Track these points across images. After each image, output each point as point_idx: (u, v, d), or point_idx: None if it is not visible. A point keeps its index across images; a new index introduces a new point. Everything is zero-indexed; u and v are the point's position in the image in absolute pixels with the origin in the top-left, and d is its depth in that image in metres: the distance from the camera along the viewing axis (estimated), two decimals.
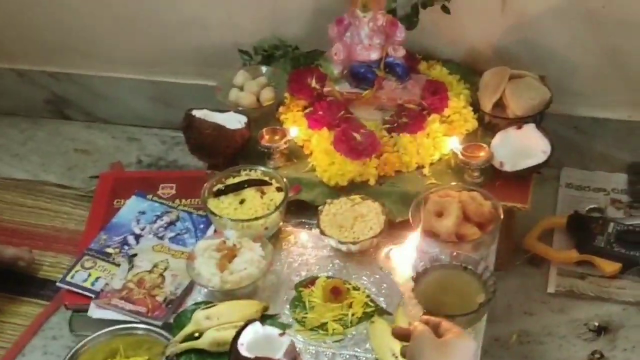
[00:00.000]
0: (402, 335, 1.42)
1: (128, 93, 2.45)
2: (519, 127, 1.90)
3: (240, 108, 2.01)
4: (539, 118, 1.94)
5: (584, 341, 1.84)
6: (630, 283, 1.94)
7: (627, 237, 1.96)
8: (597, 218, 2.03)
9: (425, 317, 1.42)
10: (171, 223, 2.04)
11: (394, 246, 1.76)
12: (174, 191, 2.15)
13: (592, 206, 2.11)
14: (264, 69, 2.12)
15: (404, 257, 1.59)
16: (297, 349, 1.57)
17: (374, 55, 1.97)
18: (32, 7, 2.37)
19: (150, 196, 2.12)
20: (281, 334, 1.55)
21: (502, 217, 1.74)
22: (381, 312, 1.68)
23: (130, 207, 2.09)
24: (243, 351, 1.52)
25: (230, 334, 1.57)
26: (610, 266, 1.94)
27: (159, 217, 2.06)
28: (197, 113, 1.93)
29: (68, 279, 1.92)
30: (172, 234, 2.01)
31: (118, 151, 2.43)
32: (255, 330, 1.56)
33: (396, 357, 1.56)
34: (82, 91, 2.49)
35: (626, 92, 2.11)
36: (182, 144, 2.35)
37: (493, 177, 1.86)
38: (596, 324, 1.86)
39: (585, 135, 2.18)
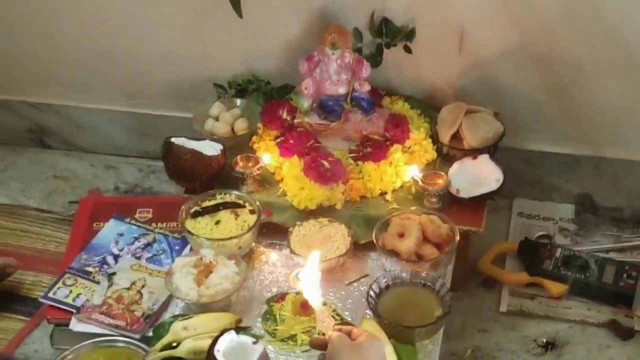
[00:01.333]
0: (319, 344, 1.50)
1: (107, 123, 2.51)
2: (474, 158, 2.00)
3: (215, 137, 2.09)
4: (492, 150, 2.04)
5: (533, 356, 1.93)
6: (576, 303, 2.03)
7: (573, 262, 2.05)
8: (545, 244, 2.12)
9: (339, 326, 1.52)
10: (148, 244, 2.13)
11: (301, 269, 1.76)
12: (150, 215, 2.23)
13: (541, 233, 2.19)
14: (238, 101, 2.20)
15: (309, 278, 1.59)
16: (269, 358, 1.64)
17: (342, 90, 2.04)
18: (14, 39, 2.41)
19: (128, 219, 2.20)
20: (254, 342, 1.62)
21: (458, 238, 1.85)
22: (346, 325, 1.76)
23: (109, 229, 2.17)
24: (219, 357, 1.58)
25: (206, 342, 1.65)
26: (558, 288, 2.02)
27: (136, 239, 2.15)
28: (175, 140, 2.01)
29: (50, 294, 2.00)
30: (149, 255, 2.09)
31: (96, 178, 2.49)
32: (230, 338, 1.63)
33: None
34: (62, 121, 2.54)
35: (573, 128, 2.19)
36: (157, 172, 2.44)
37: (450, 203, 1.95)
38: (544, 340, 1.95)
39: (535, 167, 2.26)
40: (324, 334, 1.50)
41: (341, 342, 1.45)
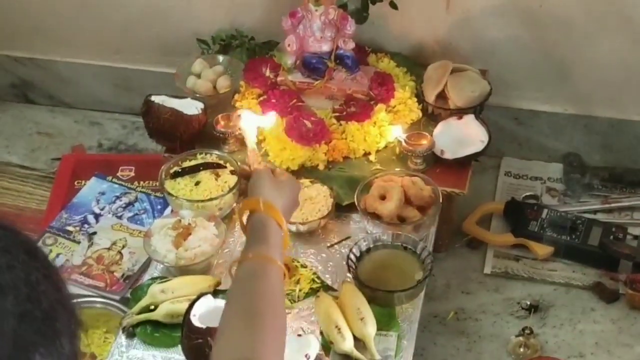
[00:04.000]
0: (244, 175, 1.62)
1: (91, 78, 2.48)
2: (460, 118, 1.97)
3: (197, 95, 2.06)
4: (478, 110, 2.01)
5: (517, 318, 1.93)
6: (561, 265, 2.02)
7: (559, 223, 2.03)
8: (532, 205, 2.11)
9: (264, 163, 1.60)
10: (130, 204, 2.12)
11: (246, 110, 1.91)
12: (132, 173, 2.21)
13: (528, 193, 2.18)
14: (220, 58, 2.18)
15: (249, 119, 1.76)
16: None
17: (325, 48, 2.00)
18: None
19: (110, 178, 2.19)
20: None
21: (441, 201, 1.83)
22: (326, 288, 1.76)
23: (91, 188, 2.16)
24: (195, 322, 1.59)
25: (183, 306, 1.65)
26: (543, 249, 2.01)
27: (118, 197, 2.13)
28: (155, 99, 1.98)
29: None
30: (131, 214, 2.09)
31: (80, 134, 2.48)
32: (207, 302, 1.64)
33: (339, 329, 1.65)
34: (46, 76, 2.52)
35: (562, 86, 2.17)
36: (141, 129, 2.39)
37: (434, 164, 1.93)
38: (528, 302, 1.94)
39: (524, 126, 2.24)
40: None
41: (264, 174, 1.54)
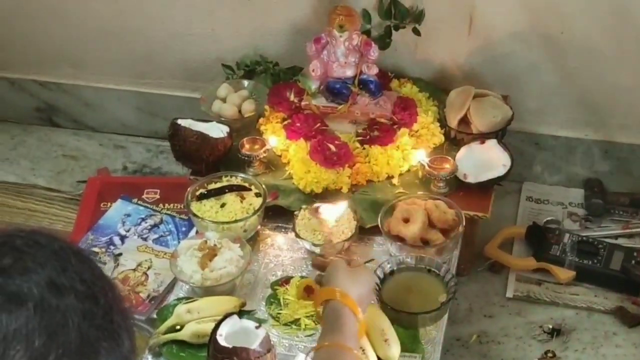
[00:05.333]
0: (319, 265, 1.68)
1: (115, 103, 2.51)
2: (482, 142, 1.99)
3: (222, 119, 2.09)
4: (500, 134, 2.03)
5: (539, 342, 1.93)
6: (583, 290, 2.02)
7: (581, 247, 2.03)
8: (553, 229, 2.11)
9: (341, 255, 1.65)
10: (155, 225, 2.13)
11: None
12: (157, 196, 2.23)
13: (549, 218, 2.18)
14: (245, 82, 2.20)
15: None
16: (272, 342, 1.65)
17: (349, 73, 2.02)
18: (25, 18, 2.42)
19: (135, 200, 2.21)
20: (257, 327, 1.65)
21: (464, 224, 1.85)
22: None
23: (117, 210, 2.18)
24: (222, 342, 1.60)
25: (209, 326, 1.66)
26: (565, 274, 2.01)
27: (143, 219, 2.15)
28: (182, 122, 2.00)
29: None
30: (156, 236, 2.10)
31: (105, 158, 2.50)
32: (233, 322, 1.65)
33: (363, 350, 1.63)
34: (72, 100, 2.55)
35: (583, 111, 2.17)
36: (166, 152, 2.44)
37: (457, 188, 1.94)
38: (550, 326, 1.94)
39: (545, 151, 2.24)
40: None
41: (338, 264, 1.60)
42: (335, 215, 1.87)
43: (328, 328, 1.48)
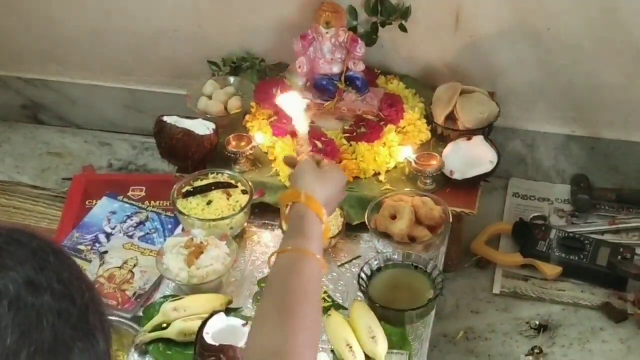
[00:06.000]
0: (290, 162, 1.66)
1: (101, 100, 2.50)
2: (469, 139, 1.99)
3: (208, 115, 2.08)
4: (487, 130, 2.03)
5: (526, 338, 1.94)
6: (570, 285, 2.03)
7: (568, 243, 2.04)
8: (540, 225, 2.12)
9: (311, 153, 1.60)
10: (141, 223, 2.13)
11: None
12: (143, 193, 2.23)
13: (536, 214, 2.19)
14: (231, 79, 2.19)
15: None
16: None
17: (336, 69, 2.03)
18: (9, 16, 2.41)
19: (120, 197, 2.20)
20: (244, 324, 1.65)
21: (451, 220, 1.85)
22: (337, 306, 1.78)
23: (102, 207, 2.17)
24: (208, 339, 1.61)
25: (196, 324, 1.67)
26: (551, 269, 2.02)
27: (129, 217, 2.14)
28: (167, 119, 1.99)
29: None
30: (142, 233, 2.09)
31: (90, 155, 2.49)
32: (219, 320, 1.65)
33: (350, 347, 1.66)
34: (57, 97, 2.53)
35: (569, 108, 2.18)
36: (151, 149, 2.43)
37: (444, 184, 1.94)
38: (537, 322, 1.95)
39: (531, 147, 2.25)
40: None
41: (307, 164, 1.56)
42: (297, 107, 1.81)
43: (291, 231, 1.43)
